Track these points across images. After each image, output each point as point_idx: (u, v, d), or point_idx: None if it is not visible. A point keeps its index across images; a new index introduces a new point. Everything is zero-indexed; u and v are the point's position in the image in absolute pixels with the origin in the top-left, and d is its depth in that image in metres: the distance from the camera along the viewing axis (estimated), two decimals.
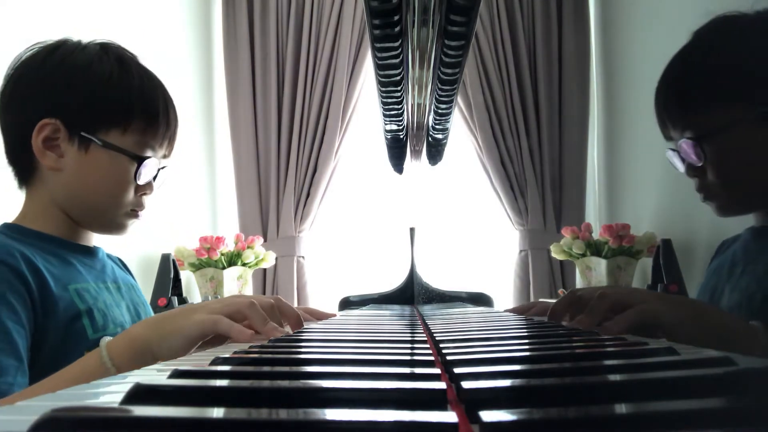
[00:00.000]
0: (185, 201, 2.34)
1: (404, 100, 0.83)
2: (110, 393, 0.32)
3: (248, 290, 2.35)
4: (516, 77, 2.63)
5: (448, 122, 0.94)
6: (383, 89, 0.78)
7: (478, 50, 2.60)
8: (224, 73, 2.71)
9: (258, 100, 2.67)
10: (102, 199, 0.82)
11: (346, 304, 1.69)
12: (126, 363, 0.58)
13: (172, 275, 2.02)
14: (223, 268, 2.21)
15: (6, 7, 1.41)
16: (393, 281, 1.74)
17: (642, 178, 2.25)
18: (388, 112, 0.87)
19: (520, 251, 2.63)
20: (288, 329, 0.68)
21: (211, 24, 2.76)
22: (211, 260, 2.18)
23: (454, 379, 0.31)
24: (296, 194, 2.62)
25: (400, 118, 0.90)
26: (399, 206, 2.38)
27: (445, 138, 1.04)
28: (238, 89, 2.68)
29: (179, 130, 0.89)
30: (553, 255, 2.32)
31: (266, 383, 0.31)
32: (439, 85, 0.75)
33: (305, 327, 0.72)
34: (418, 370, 0.35)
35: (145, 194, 0.85)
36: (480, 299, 1.69)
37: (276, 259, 2.51)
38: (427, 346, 0.48)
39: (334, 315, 1.01)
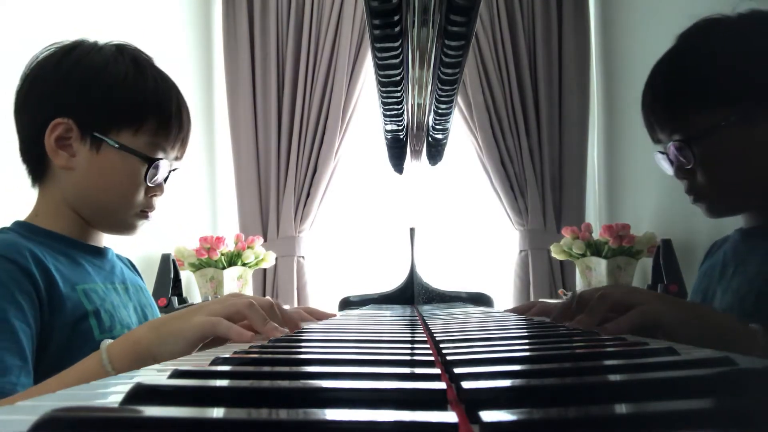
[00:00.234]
0: (185, 201, 2.34)
1: (404, 100, 0.83)
2: (110, 393, 0.32)
3: (248, 290, 2.35)
4: (516, 77, 2.63)
5: (448, 122, 0.94)
6: (383, 89, 0.78)
7: (478, 50, 2.60)
8: (224, 73, 2.71)
9: (258, 100, 2.67)
10: (112, 199, 0.82)
11: (346, 304, 1.69)
12: (126, 366, 0.58)
13: (172, 275, 2.02)
14: (223, 268, 2.21)
15: (6, 7, 1.41)
16: (393, 281, 1.74)
17: (642, 178, 2.25)
18: (388, 112, 0.87)
19: (520, 251, 2.63)
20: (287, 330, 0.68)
21: (211, 24, 2.76)
22: (211, 260, 2.18)
23: (454, 379, 0.31)
24: (296, 194, 2.62)
25: (400, 118, 0.90)
26: (399, 206, 2.38)
27: (445, 138, 1.04)
28: (238, 89, 2.68)
29: (192, 133, 0.89)
30: (553, 255, 2.32)
31: (266, 383, 0.31)
32: (439, 85, 0.75)
33: (305, 327, 0.72)
34: (418, 370, 0.35)
35: (155, 195, 0.85)
36: (480, 299, 1.69)
37: (276, 259, 2.51)
38: (427, 346, 0.48)
39: (334, 315, 1.01)
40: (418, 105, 0.86)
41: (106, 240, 0.90)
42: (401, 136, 1.01)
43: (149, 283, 1.97)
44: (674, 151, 0.83)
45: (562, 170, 2.66)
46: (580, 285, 2.37)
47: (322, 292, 2.68)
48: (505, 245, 2.69)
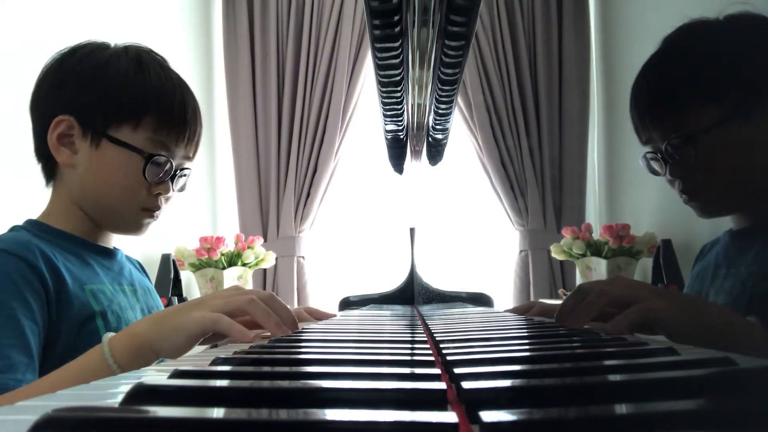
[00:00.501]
0: (185, 201, 2.34)
1: (404, 101, 0.83)
2: (111, 393, 0.32)
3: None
4: (516, 77, 2.63)
5: (448, 122, 0.94)
6: (383, 89, 0.78)
7: (478, 50, 2.61)
8: (224, 73, 2.71)
9: (258, 100, 2.67)
10: (113, 195, 0.82)
11: (346, 304, 1.69)
12: (127, 359, 0.58)
13: (172, 275, 2.02)
14: (223, 268, 2.21)
15: (6, 7, 1.41)
16: (393, 281, 1.74)
17: (642, 178, 2.25)
18: (388, 112, 0.87)
19: (521, 251, 2.63)
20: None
21: (211, 24, 2.76)
22: (211, 260, 2.18)
23: (455, 380, 0.31)
24: (296, 194, 2.62)
25: (400, 118, 0.90)
26: (399, 206, 2.38)
27: (445, 138, 1.04)
28: (238, 89, 2.68)
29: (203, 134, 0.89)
30: (554, 255, 2.32)
31: (266, 383, 0.31)
32: (439, 85, 0.75)
33: (305, 327, 0.72)
34: (418, 370, 0.35)
35: (160, 194, 0.84)
36: (480, 299, 1.69)
37: (276, 259, 2.51)
38: (428, 346, 0.48)
39: (334, 315, 1.01)
40: (418, 105, 0.86)
41: (115, 241, 0.91)
42: (401, 136, 1.01)
43: None
44: (673, 148, 0.83)
45: (562, 170, 2.66)
46: None
47: (322, 292, 2.68)
48: (505, 245, 2.69)
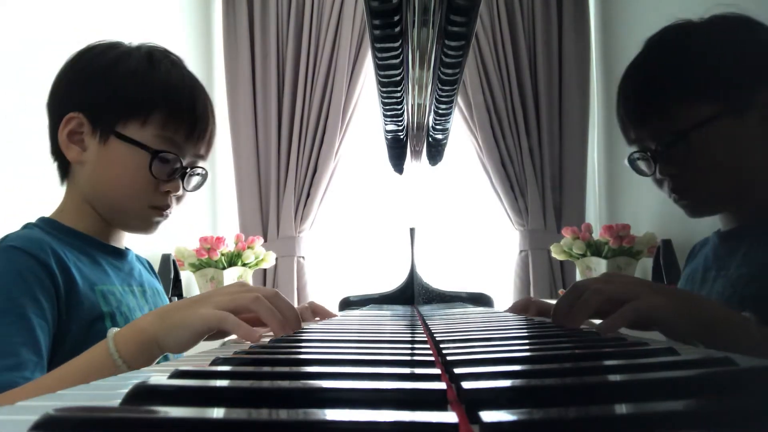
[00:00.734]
0: (185, 201, 2.33)
1: (404, 101, 0.83)
2: (111, 393, 0.32)
3: None
4: (516, 77, 2.63)
5: (448, 122, 0.94)
6: (383, 89, 0.78)
7: (478, 50, 2.60)
8: (224, 73, 2.71)
9: (258, 100, 2.67)
10: (120, 191, 0.82)
11: (346, 304, 1.69)
12: (132, 354, 0.58)
13: (172, 275, 2.02)
14: (224, 268, 2.21)
15: (6, 7, 1.41)
16: (393, 281, 1.74)
17: (642, 178, 2.24)
18: (388, 113, 0.87)
19: (521, 251, 2.63)
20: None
21: (211, 24, 2.76)
22: (211, 260, 2.18)
23: (455, 380, 0.31)
24: (296, 194, 2.62)
25: (400, 119, 0.90)
26: (399, 206, 2.38)
27: (445, 138, 1.04)
28: (238, 89, 2.68)
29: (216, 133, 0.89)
30: (554, 255, 2.32)
31: (266, 383, 0.31)
32: (439, 85, 0.75)
33: (305, 327, 0.72)
34: (418, 371, 0.35)
35: (169, 192, 0.84)
36: (480, 299, 1.69)
37: (276, 259, 2.51)
38: (428, 346, 0.48)
39: (335, 315, 1.01)
40: (418, 105, 0.86)
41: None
42: (401, 137, 1.01)
43: None
44: (663, 146, 0.83)
45: (562, 170, 2.66)
46: None
47: (322, 292, 2.68)
48: (505, 245, 2.69)
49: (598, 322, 0.65)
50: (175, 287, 2.04)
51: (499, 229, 2.69)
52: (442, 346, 0.46)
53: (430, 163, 1.17)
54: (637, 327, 0.59)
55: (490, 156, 2.59)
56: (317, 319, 1.00)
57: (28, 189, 1.38)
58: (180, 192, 0.86)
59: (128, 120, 0.80)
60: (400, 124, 0.93)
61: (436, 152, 1.10)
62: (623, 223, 2.10)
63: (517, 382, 0.30)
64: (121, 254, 0.88)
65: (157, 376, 0.37)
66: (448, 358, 0.38)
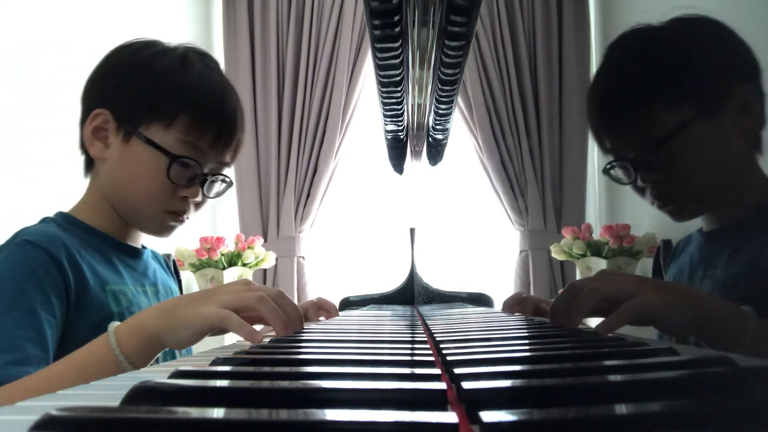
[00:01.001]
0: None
1: (404, 101, 0.83)
2: (111, 393, 0.32)
3: None
4: (516, 77, 2.63)
5: (449, 122, 0.94)
6: (383, 89, 0.78)
7: (478, 50, 2.60)
8: (224, 73, 2.70)
9: (258, 100, 2.67)
10: (135, 191, 0.81)
11: (347, 304, 1.69)
12: (133, 349, 0.58)
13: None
14: (224, 268, 2.21)
15: (6, 7, 1.41)
16: (393, 281, 1.74)
17: None
18: (388, 113, 0.87)
19: (521, 251, 2.63)
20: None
21: (211, 24, 2.76)
22: (211, 260, 2.18)
23: (455, 380, 0.31)
24: (296, 194, 2.62)
25: (401, 119, 0.90)
26: (399, 206, 2.38)
27: (445, 138, 1.04)
28: (238, 89, 2.65)
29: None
30: (554, 255, 2.32)
31: (266, 383, 0.31)
32: (439, 85, 0.75)
33: (306, 327, 0.72)
34: (418, 371, 0.35)
35: (187, 197, 0.83)
36: (480, 299, 1.69)
37: (276, 259, 2.51)
38: (428, 346, 0.48)
39: (338, 315, 1.02)
40: (418, 105, 0.86)
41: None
42: (401, 137, 1.01)
43: None
44: (643, 154, 0.83)
45: (562, 170, 2.66)
46: None
47: (322, 292, 2.68)
48: (505, 245, 2.69)
49: (597, 322, 0.65)
50: None
51: (499, 229, 2.69)
52: (442, 346, 0.46)
53: (430, 163, 1.17)
54: (634, 325, 0.59)
55: (490, 156, 2.59)
56: (321, 319, 1.00)
57: (28, 189, 1.38)
58: (199, 198, 0.84)
59: (152, 121, 0.79)
60: (400, 124, 0.93)
61: (436, 152, 1.10)
62: (623, 224, 2.10)
63: (517, 382, 0.30)
64: (136, 254, 0.87)
65: (157, 376, 0.37)
66: (448, 358, 0.38)
